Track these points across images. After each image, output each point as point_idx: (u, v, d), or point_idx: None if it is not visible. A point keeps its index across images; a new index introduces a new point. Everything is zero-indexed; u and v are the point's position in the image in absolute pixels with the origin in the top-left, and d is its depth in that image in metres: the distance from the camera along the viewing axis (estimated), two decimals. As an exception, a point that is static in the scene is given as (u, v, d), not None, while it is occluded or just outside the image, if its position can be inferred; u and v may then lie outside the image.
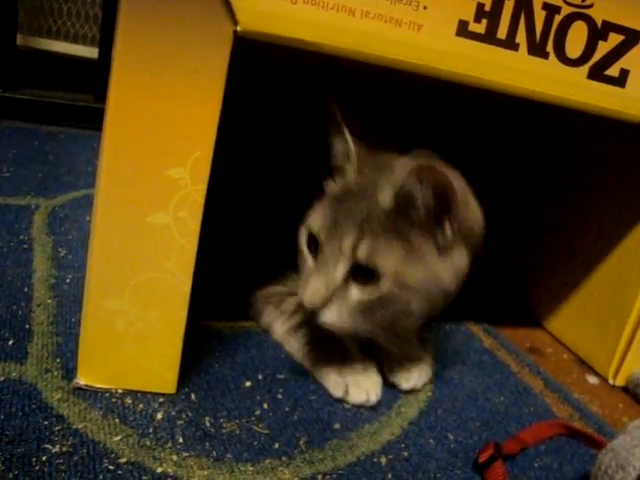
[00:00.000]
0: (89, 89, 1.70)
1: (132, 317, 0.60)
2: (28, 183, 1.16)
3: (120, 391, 0.63)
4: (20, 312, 0.72)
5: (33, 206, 1.05)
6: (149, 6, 0.52)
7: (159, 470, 0.54)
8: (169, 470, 0.54)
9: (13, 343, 0.67)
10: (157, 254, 0.59)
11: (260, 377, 0.70)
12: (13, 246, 0.89)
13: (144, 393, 0.63)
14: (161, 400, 0.63)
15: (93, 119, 1.56)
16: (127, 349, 0.61)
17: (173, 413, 0.61)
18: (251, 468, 0.56)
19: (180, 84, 0.54)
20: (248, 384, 0.68)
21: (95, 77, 1.67)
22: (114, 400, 0.61)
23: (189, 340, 0.63)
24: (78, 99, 1.68)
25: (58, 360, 0.65)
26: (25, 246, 0.90)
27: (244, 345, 0.76)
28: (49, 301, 0.76)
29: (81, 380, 0.62)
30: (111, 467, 0.53)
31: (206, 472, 0.55)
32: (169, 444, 0.57)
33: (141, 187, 0.56)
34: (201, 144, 0.56)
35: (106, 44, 1.65)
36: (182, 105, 0.55)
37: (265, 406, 0.65)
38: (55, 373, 0.63)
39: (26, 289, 0.78)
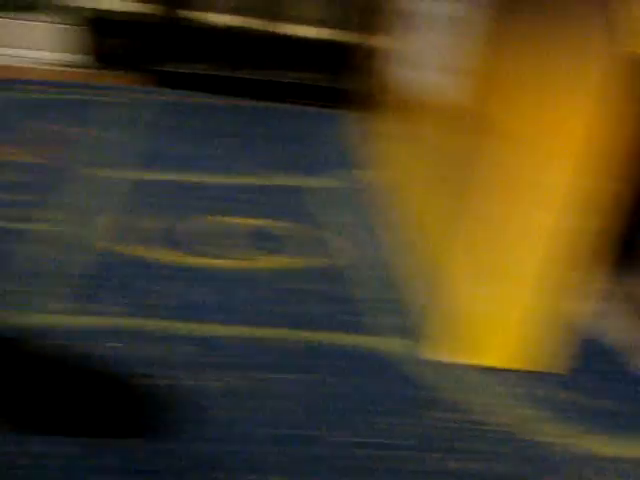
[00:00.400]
0: (322, 69, 1.79)
1: (501, 303, 0.67)
2: (279, 161, 1.21)
3: (499, 369, 0.70)
4: (345, 291, 0.82)
5: (293, 186, 1.11)
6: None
7: (534, 438, 0.62)
8: (542, 439, 0.62)
9: (358, 319, 0.76)
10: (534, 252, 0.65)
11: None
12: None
13: (518, 371, 0.70)
14: (534, 377, 0.70)
15: (329, 98, 1.66)
16: (506, 332, 0.69)
17: (546, 391, 0.69)
18: (610, 441, 0.63)
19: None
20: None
21: (329, 58, 1.77)
22: (493, 377, 0.69)
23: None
24: (311, 79, 1.78)
25: (408, 336, 0.74)
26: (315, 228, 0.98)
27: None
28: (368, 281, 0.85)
29: (453, 356, 0.70)
30: (486, 434, 0.62)
31: (572, 440, 0.63)
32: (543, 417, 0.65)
33: (524, 186, 0.62)
34: (591, 156, 0.61)
35: (345, 28, 1.75)
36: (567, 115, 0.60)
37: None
38: (414, 348, 0.72)
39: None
